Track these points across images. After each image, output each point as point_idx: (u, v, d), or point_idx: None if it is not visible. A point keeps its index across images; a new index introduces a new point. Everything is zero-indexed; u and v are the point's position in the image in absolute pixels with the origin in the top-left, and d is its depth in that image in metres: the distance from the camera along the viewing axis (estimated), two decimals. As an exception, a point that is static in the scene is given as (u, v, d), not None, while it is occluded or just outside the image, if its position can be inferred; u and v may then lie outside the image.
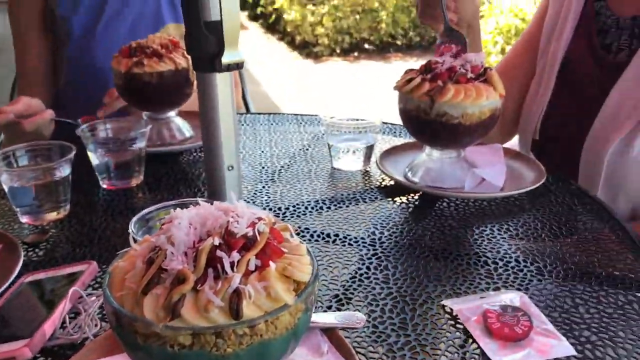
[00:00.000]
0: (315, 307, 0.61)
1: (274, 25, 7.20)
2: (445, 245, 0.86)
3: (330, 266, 0.80)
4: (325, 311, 0.70)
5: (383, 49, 6.53)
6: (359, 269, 0.80)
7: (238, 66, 0.81)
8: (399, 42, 6.54)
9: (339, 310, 0.71)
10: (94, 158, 1.05)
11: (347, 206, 0.99)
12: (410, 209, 0.98)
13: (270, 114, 1.49)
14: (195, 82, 1.18)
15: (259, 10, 7.69)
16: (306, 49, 6.43)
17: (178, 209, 0.49)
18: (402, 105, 1.02)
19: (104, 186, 1.07)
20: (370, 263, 0.81)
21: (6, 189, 0.93)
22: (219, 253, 0.44)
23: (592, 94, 1.10)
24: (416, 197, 1.02)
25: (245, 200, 1.01)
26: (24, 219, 0.95)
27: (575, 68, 1.16)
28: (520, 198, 1.00)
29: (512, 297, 0.71)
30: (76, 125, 1.11)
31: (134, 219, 0.73)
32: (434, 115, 0.96)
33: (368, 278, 0.77)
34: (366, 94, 5.00)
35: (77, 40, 1.44)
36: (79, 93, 1.48)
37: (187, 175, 1.14)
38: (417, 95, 0.97)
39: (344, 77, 5.77)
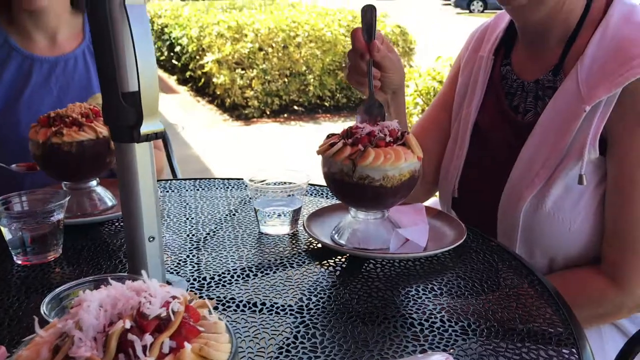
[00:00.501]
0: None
1: (203, 88, 7.24)
2: (372, 308, 0.86)
3: (257, 337, 0.78)
4: (251, 386, 0.68)
5: (312, 110, 6.68)
6: (287, 338, 0.78)
7: (157, 136, 0.81)
8: (327, 104, 6.72)
9: (266, 383, 0.69)
10: (7, 233, 1.00)
11: (274, 272, 0.98)
12: (338, 272, 0.99)
13: (196, 179, 1.48)
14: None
15: (188, 74, 7.74)
16: (236, 111, 6.49)
17: (87, 290, 0.47)
18: (325, 169, 1.04)
19: (19, 262, 1.02)
20: (298, 332, 0.80)
21: None
22: (130, 337, 0.42)
23: (505, 153, 1.16)
24: (344, 260, 1.03)
25: (168, 271, 0.99)
26: None
27: (487, 129, 1.23)
28: (444, 256, 1.03)
29: (438, 359, 0.72)
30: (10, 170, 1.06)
31: (46, 299, 0.69)
32: (356, 179, 0.98)
33: (296, 348, 0.76)
34: (296, 154, 5.06)
35: (-2, 114, 1.40)
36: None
37: (109, 247, 1.10)
38: (340, 159, 0.99)
39: (274, 138, 5.83)
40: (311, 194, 1.35)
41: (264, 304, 0.87)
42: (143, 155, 0.81)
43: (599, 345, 1.11)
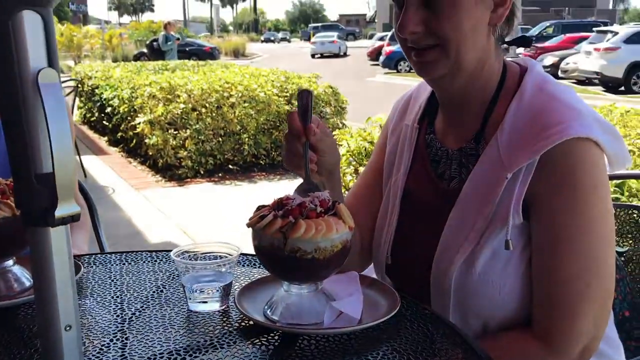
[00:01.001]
0: None
1: (135, 149, 7.10)
2: (306, 389, 0.83)
3: None
4: None
5: (247, 169, 6.65)
6: None
7: (73, 219, 0.76)
8: (262, 162, 6.72)
9: None
10: None
11: (203, 354, 0.93)
12: (271, 351, 0.95)
13: (122, 252, 1.41)
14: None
15: (119, 135, 7.59)
16: (169, 171, 6.37)
17: None
18: (256, 242, 1.01)
19: None
20: (228, 422, 0.75)
21: None
22: None
23: (434, 219, 1.17)
24: (277, 337, 0.99)
25: (88, 359, 0.92)
26: None
27: (416, 196, 1.24)
28: (379, 327, 1.01)
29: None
30: None
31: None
32: (287, 252, 0.96)
33: None
34: (233, 213, 4.99)
35: None
36: None
37: (24, 333, 1.02)
38: (270, 232, 0.97)
39: (209, 197, 5.74)
40: (243, 264, 1.32)
41: (191, 392, 0.82)
42: (58, 239, 0.76)
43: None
